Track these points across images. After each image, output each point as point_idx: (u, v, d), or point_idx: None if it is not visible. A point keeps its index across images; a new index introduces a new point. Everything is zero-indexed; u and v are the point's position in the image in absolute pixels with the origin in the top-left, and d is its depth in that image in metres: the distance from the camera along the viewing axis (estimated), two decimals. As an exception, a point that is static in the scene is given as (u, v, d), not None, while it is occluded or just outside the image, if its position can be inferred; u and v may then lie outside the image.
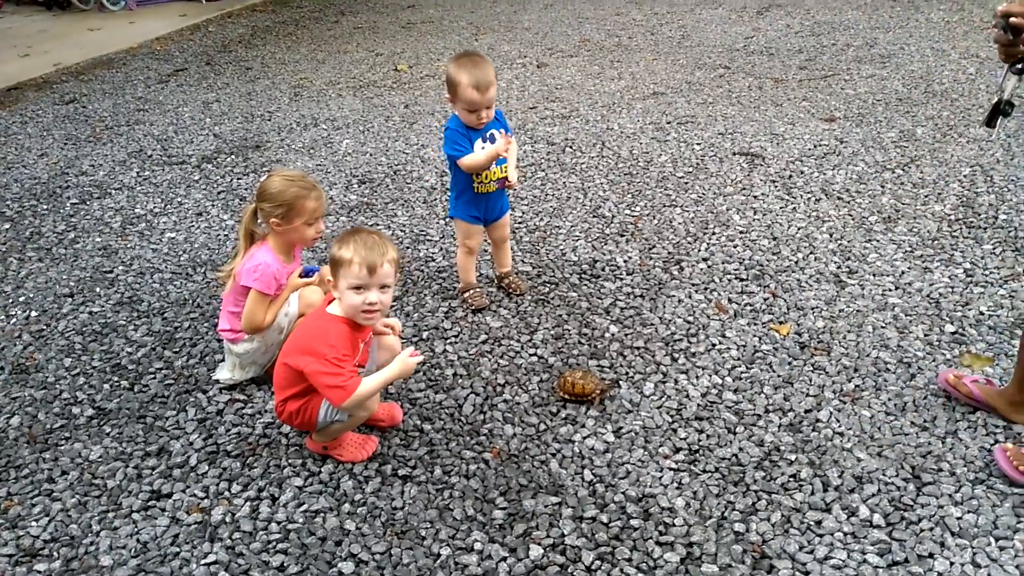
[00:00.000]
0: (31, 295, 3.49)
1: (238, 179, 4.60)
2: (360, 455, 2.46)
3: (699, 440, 2.50)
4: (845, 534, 2.15)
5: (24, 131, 5.54)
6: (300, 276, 2.74)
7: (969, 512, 2.19)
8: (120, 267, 3.69)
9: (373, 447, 2.49)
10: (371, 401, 2.35)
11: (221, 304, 2.78)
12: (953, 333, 2.95)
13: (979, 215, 3.78)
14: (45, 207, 4.35)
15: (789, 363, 2.83)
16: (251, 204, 2.67)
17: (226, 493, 2.37)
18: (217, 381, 2.83)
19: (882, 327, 3.00)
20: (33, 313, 3.35)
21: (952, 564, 2.05)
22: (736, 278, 3.36)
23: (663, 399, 2.68)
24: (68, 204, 4.37)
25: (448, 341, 3.03)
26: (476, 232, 3.13)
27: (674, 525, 2.20)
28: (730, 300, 3.22)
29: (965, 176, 4.18)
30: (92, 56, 7.41)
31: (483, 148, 2.93)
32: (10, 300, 3.46)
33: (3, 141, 5.36)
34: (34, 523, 2.29)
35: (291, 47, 7.62)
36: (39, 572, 2.14)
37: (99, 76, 6.84)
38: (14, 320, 3.31)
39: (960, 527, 2.15)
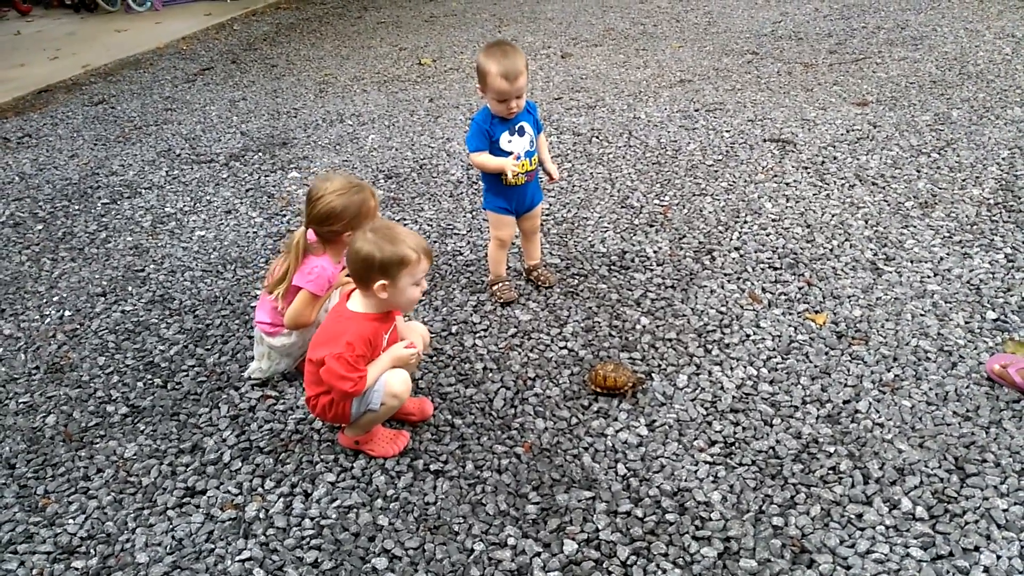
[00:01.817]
0: (64, 295, 3.53)
1: (266, 176, 4.62)
2: (391, 450, 2.45)
3: (735, 432, 2.46)
4: (887, 527, 2.10)
5: (55, 133, 5.61)
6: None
7: (1016, 504, 2.13)
8: (151, 266, 3.72)
9: (404, 442, 2.48)
10: (403, 391, 2.34)
11: (260, 295, 2.78)
12: (995, 320, 2.87)
13: (1019, 199, 3.68)
14: (77, 207, 4.39)
15: (826, 353, 2.78)
16: (300, 228, 2.63)
17: (259, 489, 2.38)
18: (249, 378, 2.83)
19: (921, 315, 2.93)
20: (67, 313, 3.39)
21: (999, 558, 1.99)
22: (770, 267, 3.31)
23: (697, 391, 2.64)
24: (99, 204, 4.41)
25: (477, 335, 3.02)
26: (507, 223, 3.10)
27: (711, 519, 2.16)
28: (764, 290, 3.16)
29: (1003, 159, 4.08)
30: (119, 57, 7.48)
31: (510, 142, 2.91)
32: (44, 300, 3.50)
33: (35, 143, 5.43)
34: (71, 521, 2.32)
35: (315, 43, 7.64)
36: (77, 569, 2.16)
37: (127, 77, 6.90)
38: (48, 320, 3.34)
39: (1007, 519, 2.09)
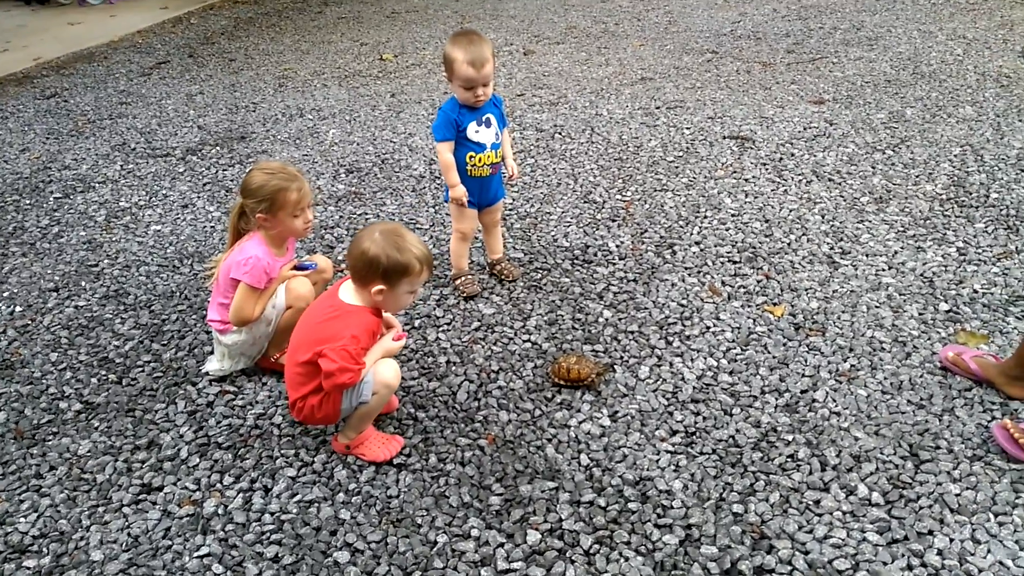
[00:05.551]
0: (15, 290, 3.43)
1: (223, 170, 4.55)
2: (384, 454, 2.38)
3: (695, 422, 2.48)
4: (844, 513, 2.13)
5: (5, 126, 5.46)
6: (294, 269, 2.71)
7: (968, 489, 2.18)
8: (106, 260, 3.64)
9: (398, 446, 2.41)
10: (394, 380, 2.31)
11: (211, 294, 2.75)
12: (947, 311, 2.94)
13: (970, 194, 3.77)
14: (28, 202, 4.28)
15: (784, 344, 2.82)
16: (238, 201, 2.63)
17: (218, 485, 2.34)
18: (207, 373, 2.79)
19: (876, 307, 2.99)
20: (18, 308, 3.30)
21: (952, 540, 2.04)
22: (729, 261, 3.34)
23: (658, 382, 2.66)
24: (51, 198, 4.31)
25: (440, 329, 3.00)
26: (469, 216, 3.09)
27: (672, 507, 2.18)
28: (723, 283, 3.20)
29: (955, 156, 4.18)
30: (73, 50, 7.30)
31: (477, 132, 2.90)
32: (-6, 296, 3.40)
33: (-17, 136, 5.28)
34: (22, 519, 2.25)
35: (275, 38, 7.55)
36: (28, 568, 2.10)
37: (80, 70, 6.75)
38: (-2, 316, 3.25)
39: (959, 504, 2.14)
